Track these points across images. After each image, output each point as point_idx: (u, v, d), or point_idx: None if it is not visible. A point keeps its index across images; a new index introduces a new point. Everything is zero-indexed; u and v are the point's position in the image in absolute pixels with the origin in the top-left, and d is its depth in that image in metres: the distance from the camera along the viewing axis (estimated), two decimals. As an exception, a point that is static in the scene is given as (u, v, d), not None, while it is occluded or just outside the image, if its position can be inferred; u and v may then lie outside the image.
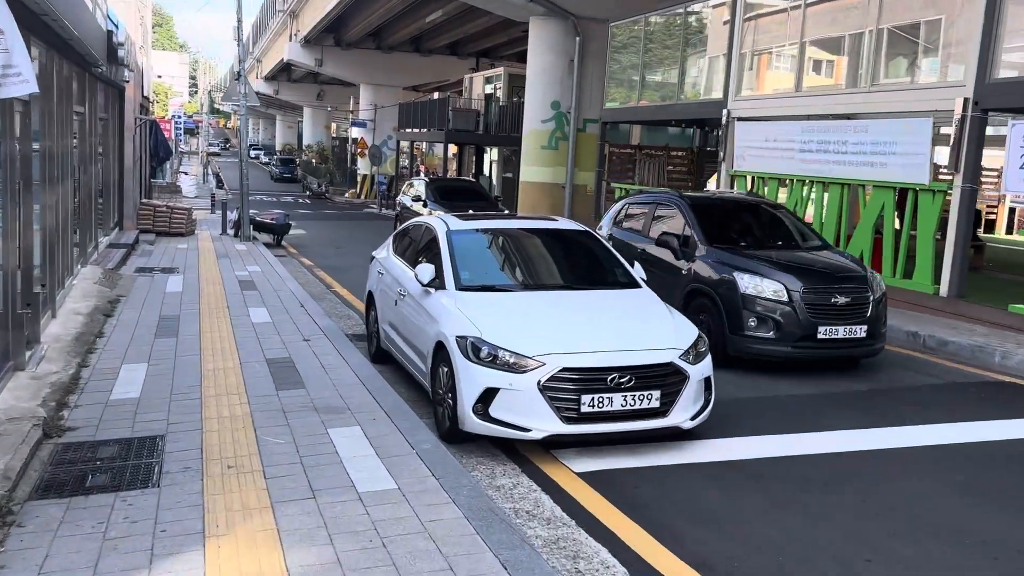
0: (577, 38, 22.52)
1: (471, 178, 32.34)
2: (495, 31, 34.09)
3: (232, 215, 19.74)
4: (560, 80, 22.85)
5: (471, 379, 5.44)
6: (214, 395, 6.32)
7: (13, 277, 6.85)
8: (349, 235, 22.59)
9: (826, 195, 13.25)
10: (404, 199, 21.62)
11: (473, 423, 5.42)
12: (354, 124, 43.67)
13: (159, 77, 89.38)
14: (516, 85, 29.65)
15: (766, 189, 14.53)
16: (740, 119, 15.28)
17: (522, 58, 36.87)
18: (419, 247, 7.42)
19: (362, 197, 42.59)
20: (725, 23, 16.25)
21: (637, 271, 6.95)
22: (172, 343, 8.04)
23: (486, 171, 32.48)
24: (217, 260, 14.56)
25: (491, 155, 31.94)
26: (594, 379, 5.35)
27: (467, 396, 5.42)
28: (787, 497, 5.02)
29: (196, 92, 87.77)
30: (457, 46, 40.40)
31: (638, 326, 5.96)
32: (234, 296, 10.77)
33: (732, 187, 15.30)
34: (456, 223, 7.18)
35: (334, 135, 66.70)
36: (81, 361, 7.20)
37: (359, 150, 42.22)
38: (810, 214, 13.61)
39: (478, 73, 32.99)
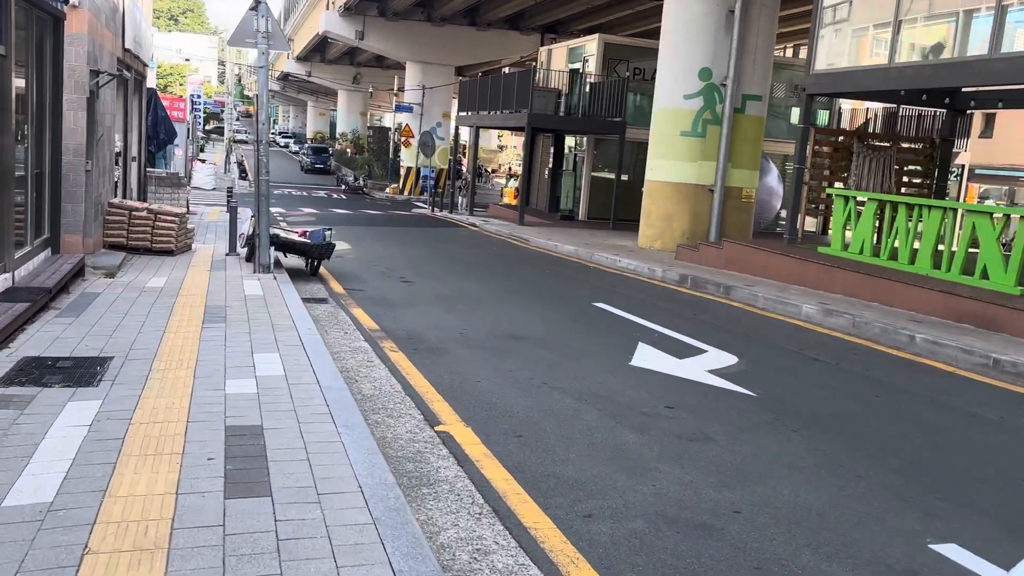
0: (743, -23, 15.03)
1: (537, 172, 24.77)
2: (576, -5, 26.68)
3: (244, 227, 12.40)
4: (714, 39, 15.35)
5: None
6: None
7: None
8: (412, 252, 15.34)
9: None
10: None
11: None
12: (399, 108, 36.22)
13: (187, 60, 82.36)
14: (614, 57, 22.15)
15: None
16: None
17: (596, 32, 29.34)
18: None
19: (405, 193, 35.26)
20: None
21: None
22: None
23: (565, 165, 24.99)
24: (201, 327, 7.29)
25: (577, 147, 24.47)
26: None
27: None
28: None
29: (224, 77, 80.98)
30: (520, 19, 33.01)
31: None
32: (194, 536, 3.46)
33: None
34: None
35: (369, 124, 59.56)
36: None
37: (403, 139, 34.86)
38: None
39: (559, 44, 25.45)
